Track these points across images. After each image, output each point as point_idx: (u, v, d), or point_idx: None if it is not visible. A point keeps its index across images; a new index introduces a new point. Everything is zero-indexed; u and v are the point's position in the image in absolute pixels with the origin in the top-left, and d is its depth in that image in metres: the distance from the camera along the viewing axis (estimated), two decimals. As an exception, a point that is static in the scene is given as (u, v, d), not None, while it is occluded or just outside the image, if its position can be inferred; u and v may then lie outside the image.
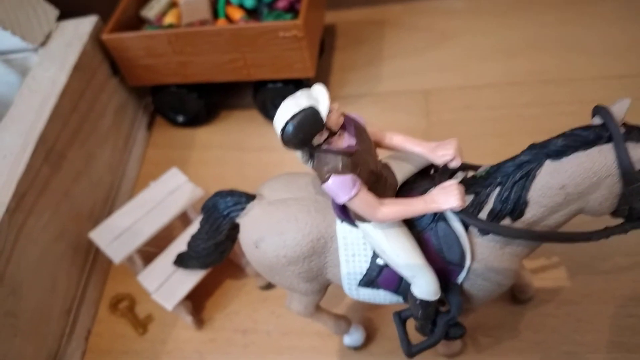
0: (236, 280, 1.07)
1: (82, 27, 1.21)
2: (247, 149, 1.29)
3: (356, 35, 1.50)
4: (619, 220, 0.65)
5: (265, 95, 1.25)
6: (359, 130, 0.60)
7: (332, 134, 0.57)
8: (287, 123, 0.54)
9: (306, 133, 0.55)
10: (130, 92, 1.33)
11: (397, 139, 0.65)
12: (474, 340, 0.90)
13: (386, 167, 0.66)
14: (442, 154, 0.62)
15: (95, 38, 1.20)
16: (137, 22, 1.29)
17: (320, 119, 0.54)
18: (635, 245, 0.95)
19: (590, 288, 0.92)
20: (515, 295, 0.91)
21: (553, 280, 0.94)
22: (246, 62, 1.17)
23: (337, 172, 0.56)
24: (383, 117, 1.27)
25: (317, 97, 0.55)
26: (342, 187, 0.57)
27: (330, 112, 0.55)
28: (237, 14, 1.24)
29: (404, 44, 1.44)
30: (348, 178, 0.57)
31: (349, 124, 0.60)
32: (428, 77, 1.33)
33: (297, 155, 0.60)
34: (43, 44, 1.18)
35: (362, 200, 0.58)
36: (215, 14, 1.26)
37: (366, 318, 0.96)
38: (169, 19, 1.27)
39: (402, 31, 1.47)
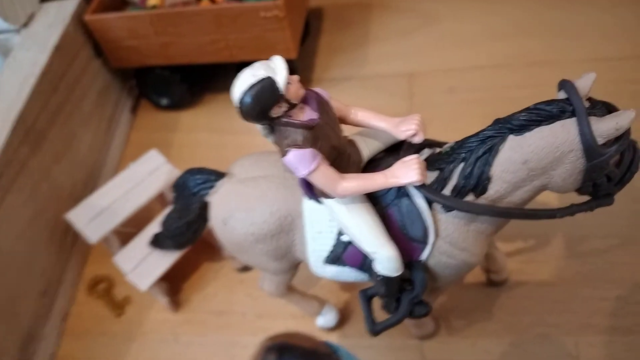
0: (214, 262, 1.07)
1: (65, 8, 1.20)
2: (230, 132, 1.29)
3: (342, 18, 1.48)
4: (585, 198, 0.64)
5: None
6: (322, 104, 0.60)
7: (292, 106, 0.56)
8: (244, 94, 0.54)
9: (264, 104, 0.54)
10: (114, 74, 1.32)
11: (361, 115, 0.64)
12: (447, 322, 0.90)
13: (351, 143, 0.65)
14: (405, 128, 0.62)
15: (78, 19, 1.19)
16: (120, 4, 1.28)
17: (278, 89, 0.54)
18: (612, 228, 0.94)
19: (565, 270, 0.92)
20: (490, 277, 0.91)
21: (528, 262, 0.94)
22: (228, 43, 1.16)
23: (296, 145, 0.56)
24: (367, 100, 1.27)
25: (275, 67, 0.55)
26: (301, 160, 0.56)
27: (289, 83, 0.55)
28: (220, -5, 1.23)
29: (390, 27, 1.42)
30: (308, 152, 0.56)
31: (311, 98, 0.59)
32: (413, 60, 1.32)
33: (258, 128, 0.59)
34: (25, 25, 1.17)
35: (323, 174, 0.57)
36: (199, -4, 1.25)
37: (341, 299, 0.96)
38: (153, 1, 1.26)
39: (388, 14, 1.46)
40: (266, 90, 0.54)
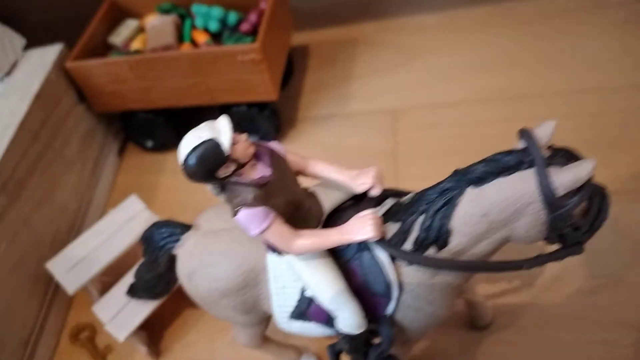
0: (195, 309, 1.05)
1: (48, 55, 1.21)
2: (216, 173, 1.28)
3: (328, 55, 1.49)
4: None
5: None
6: (276, 160, 0.59)
7: (241, 165, 0.55)
8: (187, 156, 0.53)
9: (208, 166, 0.53)
10: (99, 118, 1.33)
11: (319, 167, 0.63)
12: (431, 369, 0.87)
13: (311, 195, 0.64)
14: (362, 182, 0.60)
15: (60, 66, 1.20)
16: (104, 49, 1.30)
17: (222, 151, 0.53)
18: (600, 267, 0.92)
19: (551, 313, 0.89)
20: (473, 322, 0.88)
21: (513, 305, 0.91)
22: (208, 87, 1.16)
23: (247, 204, 0.55)
24: (350, 137, 1.26)
25: (219, 128, 0.54)
26: (252, 220, 0.55)
27: (235, 143, 0.54)
28: (202, 37, 1.24)
29: (375, 63, 1.42)
30: (259, 210, 0.55)
31: (264, 154, 0.58)
32: (397, 96, 1.32)
33: (208, 188, 0.58)
34: (8, 73, 1.19)
35: (276, 232, 0.56)
36: (181, 38, 1.26)
37: (323, 347, 0.93)
38: (136, 44, 1.28)
39: (373, 50, 1.46)
40: (210, 152, 0.53)
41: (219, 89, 1.16)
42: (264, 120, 1.22)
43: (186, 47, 1.24)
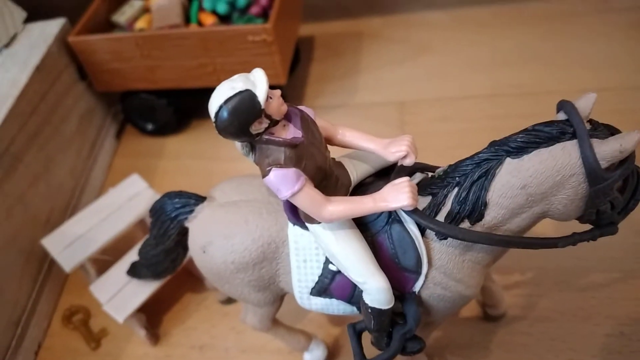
0: (196, 293, 1.01)
1: (49, 29, 1.18)
2: (217, 159, 1.25)
3: (334, 47, 1.47)
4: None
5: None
6: (306, 123, 0.56)
7: (274, 123, 0.53)
8: (220, 107, 0.50)
9: (242, 119, 0.50)
10: (99, 98, 1.29)
11: (349, 135, 0.61)
12: (442, 359, 0.85)
13: (339, 165, 0.62)
14: (395, 150, 0.58)
15: (62, 40, 1.17)
16: (107, 27, 1.26)
17: (258, 103, 0.50)
18: (613, 262, 0.90)
19: (565, 305, 0.87)
20: (487, 312, 0.86)
21: (527, 296, 0.89)
22: (216, 68, 1.13)
23: (278, 165, 0.52)
24: (357, 128, 1.23)
25: (255, 80, 0.51)
26: (284, 181, 0.52)
27: (270, 97, 0.51)
28: (209, 19, 1.21)
29: (382, 56, 1.41)
30: (291, 171, 0.52)
31: (295, 115, 0.55)
32: (404, 89, 1.30)
33: (237, 146, 0.55)
34: (7, 45, 1.15)
35: (307, 196, 0.53)
36: (187, 20, 1.23)
37: (330, 334, 0.91)
38: (140, 24, 1.24)
39: (380, 43, 1.45)
40: (245, 104, 0.50)
41: (227, 70, 1.13)
42: (270, 106, 1.19)
43: (193, 27, 1.21)
